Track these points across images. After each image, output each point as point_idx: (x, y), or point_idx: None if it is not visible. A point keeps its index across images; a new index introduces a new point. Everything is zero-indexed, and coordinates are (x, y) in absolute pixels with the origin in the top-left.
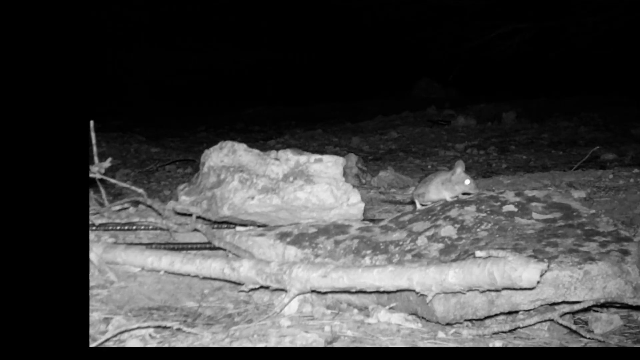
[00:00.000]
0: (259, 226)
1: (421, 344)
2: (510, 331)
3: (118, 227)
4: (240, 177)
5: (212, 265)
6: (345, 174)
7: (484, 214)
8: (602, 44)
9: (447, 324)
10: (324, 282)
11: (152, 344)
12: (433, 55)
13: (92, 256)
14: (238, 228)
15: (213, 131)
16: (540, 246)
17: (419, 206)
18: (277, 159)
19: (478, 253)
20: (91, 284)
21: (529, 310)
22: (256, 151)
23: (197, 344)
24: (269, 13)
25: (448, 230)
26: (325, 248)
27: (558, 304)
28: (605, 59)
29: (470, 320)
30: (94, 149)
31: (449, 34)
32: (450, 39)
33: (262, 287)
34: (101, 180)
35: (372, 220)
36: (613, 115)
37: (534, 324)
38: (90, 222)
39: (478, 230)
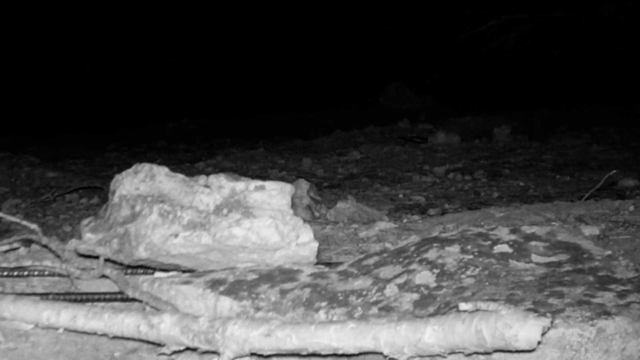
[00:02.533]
0: (184, 271)
1: None
2: None
3: (5, 273)
4: (160, 210)
5: (125, 321)
6: (294, 205)
7: (470, 256)
8: (620, 40)
9: None
10: (266, 343)
11: None
12: (407, 54)
13: None
14: (158, 274)
15: (126, 150)
16: (541, 297)
17: None
18: (207, 186)
19: (463, 306)
20: None
21: None
22: (181, 176)
23: None
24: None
25: (424, 277)
26: (269, 299)
27: None
28: (624, 60)
29: None
30: None
31: (427, 27)
32: (428, 33)
33: (188, 348)
34: None
35: (328, 264)
36: (634, 131)
37: None
38: None
39: (463, 276)
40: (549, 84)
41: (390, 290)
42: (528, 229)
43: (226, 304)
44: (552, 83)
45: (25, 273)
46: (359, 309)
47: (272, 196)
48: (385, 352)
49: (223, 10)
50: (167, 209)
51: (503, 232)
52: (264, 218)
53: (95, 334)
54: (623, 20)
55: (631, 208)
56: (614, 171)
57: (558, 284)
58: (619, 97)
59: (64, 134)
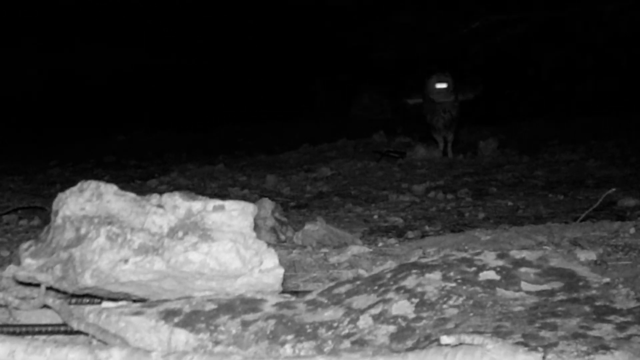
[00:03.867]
0: (135, 301)
1: None
2: None
3: None
4: (108, 232)
5: (70, 356)
6: (257, 227)
7: (453, 284)
8: (621, 42)
9: None
10: None
11: None
12: (382, 59)
13: None
14: (105, 304)
15: (71, 167)
16: (532, 329)
17: None
18: (161, 206)
19: (444, 339)
20: None
21: None
22: (131, 195)
23: None
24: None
25: (402, 307)
26: (229, 332)
27: None
28: (624, 66)
29: None
30: None
31: (404, 28)
32: (407, 35)
33: None
34: None
35: (295, 293)
36: (635, 144)
37: None
38: None
39: (444, 306)
40: (539, 92)
41: (364, 321)
42: (517, 254)
43: (182, 337)
44: (544, 91)
45: None
46: (329, 342)
47: (233, 217)
48: None
49: (178, 10)
50: (116, 231)
51: (489, 257)
52: (223, 241)
53: None
54: (625, 21)
55: (632, 230)
56: (613, 189)
57: (551, 315)
58: (618, 107)
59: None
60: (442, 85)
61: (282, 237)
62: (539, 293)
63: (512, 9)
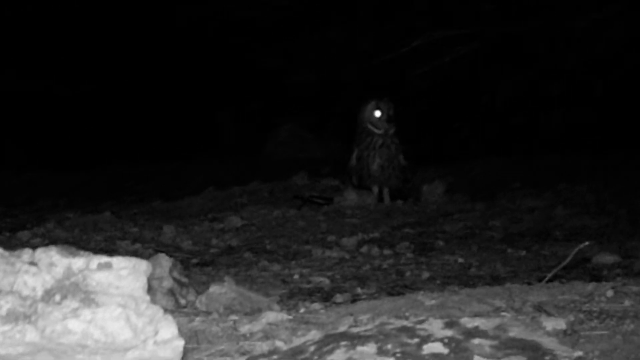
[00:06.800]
0: None
1: None
2: None
3: None
4: None
5: None
6: (151, 290)
7: (392, 359)
8: (595, 65)
9: None
10: None
11: None
12: (303, 85)
13: None
14: None
15: None
16: None
17: None
18: (34, 263)
19: None
20: None
21: None
22: None
23: None
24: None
25: None
26: None
27: None
28: (600, 91)
29: None
30: None
31: (329, 46)
32: (332, 55)
33: None
34: None
35: None
36: (613, 187)
37: None
38: None
39: None
40: (497, 124)
41: None
42: (469, 322)
43: None
44: (501, 124)
45: None
46: None
47: (122, 277)
48: None
49: (55, 29)
50: None
51: (435, 326)
52: (110, 307)
53: None
54: (605, 37)
55: (609, 293)
56: (586, 243)
57: None
58: (591, 143)
59: None
60: (380, 114)
61: (182, 302)
62: None
63: (461, 23)
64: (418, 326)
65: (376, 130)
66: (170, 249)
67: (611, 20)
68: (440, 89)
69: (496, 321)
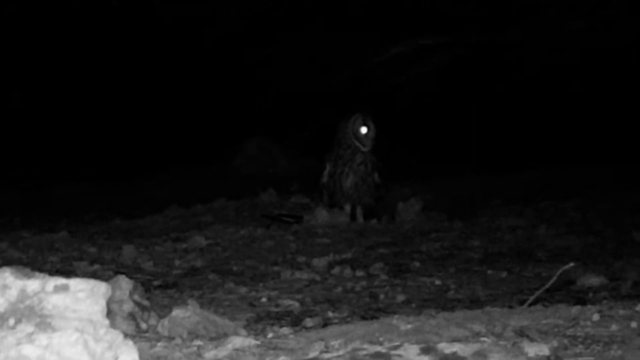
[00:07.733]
0: None
1: None
2: None
3: None
4: None
5: None
6: (110, 313)
7: None
8: (585, 71)
9: None
10: None
11: None
12: (271, 96)
13: None
14: None
15: None
16: None
17: None
18: None
19: None
20: None
21: None
22: None
23: None
24: None
25: None
26: None
27: None
28: (590, 100)
29: None
30: None
31: (298, 55)
32: (301, 65)
33: None
34: None
35: None
36: (599, 206)
37: None
38: None
39: None
40: (476, 138)
41: None
42: (447, 348)
43: None
44: (480, 137)
45: None
46: None
47: (80, 300)
48: None
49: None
50: None
51: (411, 352)
52: (67, 331)
53: None
54: (594, 45)
55: (595, 317)
56: (571, 264)
57: None
58: (578, 158)
59: None
60: (366, 130)
61: (144, 326)
62: None
63: (440, 30)
64: (393, 352)
65: (362, 148)
66: (130, 271)
67: (597, 29)
68: (417, 101)
69: (475, 347)
